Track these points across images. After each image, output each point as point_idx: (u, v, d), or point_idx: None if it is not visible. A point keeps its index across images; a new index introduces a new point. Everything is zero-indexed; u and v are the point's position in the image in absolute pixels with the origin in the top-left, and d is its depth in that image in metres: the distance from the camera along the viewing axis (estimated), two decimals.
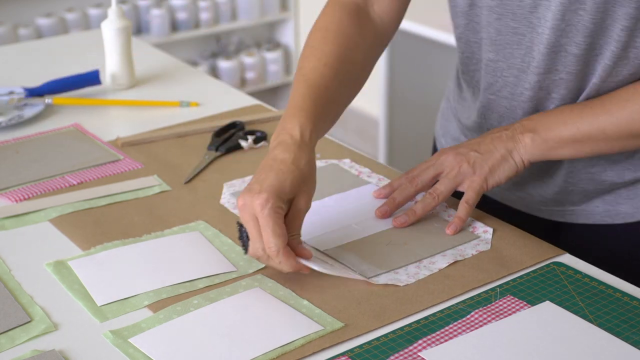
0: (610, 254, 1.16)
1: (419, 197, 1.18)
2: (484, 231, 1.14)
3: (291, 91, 1.14)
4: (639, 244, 1.21)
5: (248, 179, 1.29)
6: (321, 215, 1.17)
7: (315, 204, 1.19)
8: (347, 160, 1.34)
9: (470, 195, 1.13)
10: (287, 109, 1.10)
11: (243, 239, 1.04)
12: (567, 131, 1.11)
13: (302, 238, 1.05)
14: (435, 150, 1.42)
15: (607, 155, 1.17)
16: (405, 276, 1.05)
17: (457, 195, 1.25)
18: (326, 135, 1.44)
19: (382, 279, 1.04)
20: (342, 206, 1.20)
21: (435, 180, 1.16)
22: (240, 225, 1.03)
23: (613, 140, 1.09)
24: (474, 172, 1.13)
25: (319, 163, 1.33)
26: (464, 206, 1.13)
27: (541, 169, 1.22)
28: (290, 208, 1.02)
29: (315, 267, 1.02)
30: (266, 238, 0.99)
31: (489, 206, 1.26)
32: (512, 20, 1.12)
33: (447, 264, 1.07)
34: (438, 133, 1.40)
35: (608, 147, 1.11)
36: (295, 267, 1.01)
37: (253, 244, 1.01)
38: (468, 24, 1.19)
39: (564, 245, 1.14)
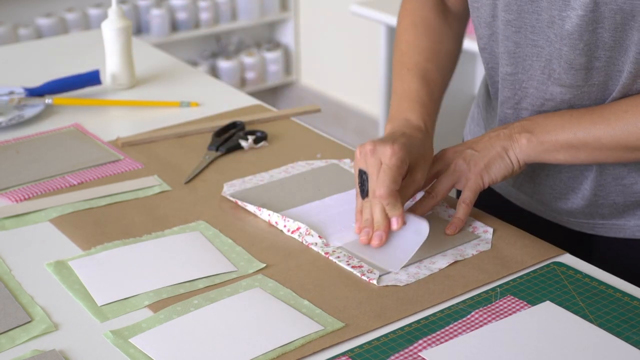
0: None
1: (418, 196, 1.18)
2: (484, 231, 1.14)
3: (398, 82, 1.22)
4: None
5: (248, 178, 1.29)
6: (323, 216, 1.17)
7: (316, 204, 1.20)
8: (347, 160, 1.34)
9: (468, 195, 1.13)
10: (401, 101, 1.20)
11: (363, 183, 1.08)
12: (564, 136, 1.10)
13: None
14: None
15: (638, 167, 1.15)
16: (405, 276, 1.05)
17: (459, 195, 1.25)
18: (326, 135, 1.44)
19: (383, 280, 1.04)
20: (344, 206, 1.20)
21: (433, 180, 1.16)
22: (362, 172, 1.08)
23: (608, 150, 1.08)
24: (469, 169, 1.13)
25: (319, 163, 1.33)
26: (462, 206, 1.13)
27: (568, 182, 1.20)
28: (406, 176, 1.10)
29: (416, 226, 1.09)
30: (384, 181, 1.06)
31: (517, 214, 1.25)
32: (531, 33, 1.11)
33: (448, 264, 1.07)
34: (467, 137, 1.39)
35: (604, 157, 1.10)
36: (397, 213, 1.06)
37: (372, 185, 1.06)
38: (492, 35, 1.17)
39: (596, 258, 1.13)
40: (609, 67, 1.08)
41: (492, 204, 1.27)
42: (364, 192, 1.09)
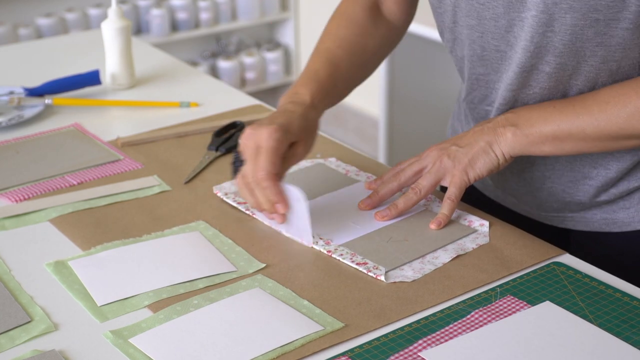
0: (610, 261, 1.16)
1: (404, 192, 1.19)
2: (480, 224, 1.15)
3: (307, 63, 1.25)
4: (635, 253, 1.21)
5: (236, 181, 1.29)
6: (317, 216, 1.17)
7: (311, 205, 1.19)
8: (333, 159, 1.34)
9: (453, 191, 1.14)
10: (300, 79, 1.21)
11: (236, 164, 1.11)
12: (548, 128, 1.10)
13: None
14: None
15: (606, 167, 1.17)
16: (411, 272, 1.05)
17: (470, 197, 1.26)
18: (326, 135, 1.44)
19: (389, 277, 1.04)
20: (336, 206, 1.20)
21: (419, 176, 1.17)
22: (237, 153, 1.11)
23: (593, 140, 1.09)
24: (454, 165, 1.14)
25: (305, 163, 1.33)
26: (447, 202, 1.15)
27: (536, 179, 1.22)
28: (287, 151, 1.11)
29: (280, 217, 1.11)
30: (262, 163, 1.08)
31: (489, 207, 1.27)
32: (492, 38, 1.13)
33: (450, 258, 1.08)
34: (449, 132, 1.41)
35: (589, 147, 1.11)
36: (275, 198, 1.08)
37: (246, 167, 1.09)
38: (455, 39, 1.20)
39: (571, 253, 1.14)
40: (558, 73, 1.10)
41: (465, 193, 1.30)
42: (235, 173, 1.13)
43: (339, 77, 1.23)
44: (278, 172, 1.10)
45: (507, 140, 1.12)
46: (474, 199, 1.29)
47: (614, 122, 1.07)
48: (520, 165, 1.22)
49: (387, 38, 1.32)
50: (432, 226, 1.14)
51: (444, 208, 1.15)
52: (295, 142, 1.13)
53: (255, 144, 1.09)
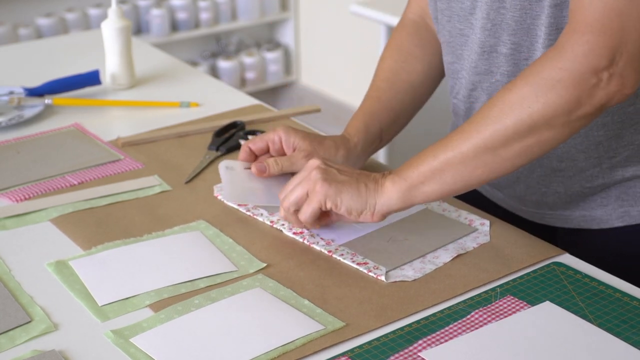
0: (593, 258, 1.16)
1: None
2: (481, 224, 1.16)
3: (363, 99, 1.30)
4: (615, 250, 1.21)
5: None
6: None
7: None
8: None
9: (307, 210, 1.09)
10: (352, 119, 1.28)
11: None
12: (425, 163, 1.04)
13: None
14: None
15: (574, 160, 1.16)
16: (411, 271, 1.05)
17: (464, 195, 1.26)
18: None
19: (390, 277, 1.05)
20: None
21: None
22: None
23: (472, 159, 1.02)
24: (321, 186, 1.07)
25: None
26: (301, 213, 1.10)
27: (510, 175, 1.21)
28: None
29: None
30: (309, 217, 1.09)
31: (484, 203, 1.27)
32: (458, 22, 1.14)
33: (451, 258, 1.08)
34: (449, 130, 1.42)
35: (469, 170, 1.03)
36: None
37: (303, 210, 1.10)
38: (437, 27, 1.22)
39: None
40: (515, 54, 1.09)
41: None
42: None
43: (383, 107, 1.27)
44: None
45: (386, 191, 1.06)
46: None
47: (485, 128, 1.01)
48: None
49: (437, 55, 1.30)
50: (253, 169, 1.20)
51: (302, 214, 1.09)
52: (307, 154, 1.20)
53: (288, 147, 1.22)
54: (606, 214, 1.20)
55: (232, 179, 1.22)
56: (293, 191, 1.09)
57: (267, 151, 1.25)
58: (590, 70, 0.97)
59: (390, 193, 1.06)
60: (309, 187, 1.08)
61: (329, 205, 1.07)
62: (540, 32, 1.07)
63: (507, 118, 1.00)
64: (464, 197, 1.23)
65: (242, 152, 1.25)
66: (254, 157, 1.25)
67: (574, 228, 1.24)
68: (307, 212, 1.08)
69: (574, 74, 0.97)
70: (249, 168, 1.23)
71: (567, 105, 0.98)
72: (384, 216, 1.07)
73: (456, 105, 1.24)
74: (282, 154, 1.23)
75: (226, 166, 1.25)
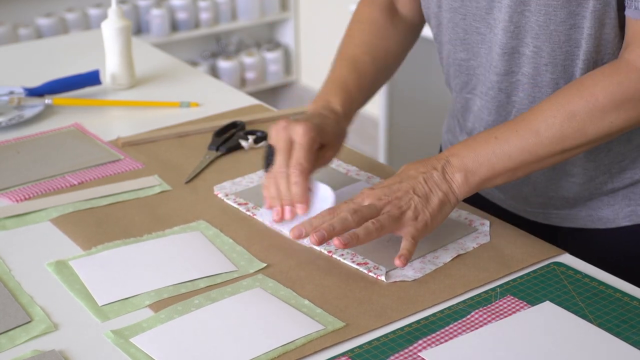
0: (596, 258, 1.16)
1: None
2: (481, 224, 1.16)
3: (331, 69, 1.28)
4: (619, 250, 1.21)
5: (237, 180, 1.29)
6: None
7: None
8: (334, 159, 1.34)
9: (410, 243, 1.05)
10: (328, 85, 1.24)
11: (268, 158, 1.12)
12: (500, 163, 1.07)
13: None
14: (441, 149, 1.43)
15: (585, 168, 1.18)
16: (411, 271, 1.05)
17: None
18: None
19: (390, 277, 1.05)
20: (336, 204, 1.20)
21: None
22: (269, 147, 1.12)
23: (544, 159, 1.08)
24: (416, 219, 1.06)
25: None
26: (409, 242, 1.05)
27: (520, 181, 1.22)
28: (317, 152, 1.13)
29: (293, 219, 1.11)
30: (298, 158, 1.09)
31: (483, 203, 1.27)
32: (474, 20, 1.15)
33: (451, 258, 1.08)
34: (443, 129, 1.42)
35: (539, 167, 1.10)
36: (300, 199, 1.09)
37: (279, 159, 1.09)
38: (439, 25, 1.22)
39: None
40: (536, 58, 1.11)
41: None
42: (268, 166, 1.13)
43: (365, 84, 1.27)
44: (310, 170, 1.10)
45: (460, 187, 1.08)
46: None
47: (565, 135, 1.05)
48: None
49: (405, 37, 1.34)
50: (399, 263, 1.03)
51: (407, 245, 1.05)
52: (325, 145, 1.15)
53: (290, 137, 1.10)
54: (613, 213, 1.20)
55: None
56: (387, 220, 1.03)
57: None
58: None
59: (465, 187, 1.08)
60: (399, 224, 1.04)
61: (430, 231, 1.07)
62: (562, 37, 1.08)
63: (588, 128, 1.05)
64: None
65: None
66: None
67: (578, 227, 1.24)
68: (411, 248, 1.04)
69: None
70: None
71: None
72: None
73: (470, 100, 1.23)
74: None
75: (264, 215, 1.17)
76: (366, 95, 1.28)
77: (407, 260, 1.04)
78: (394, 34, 1.32)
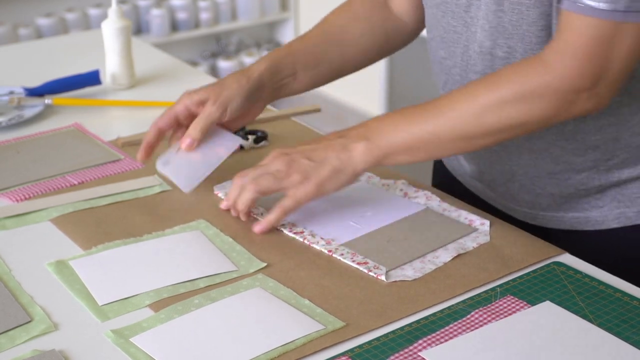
0: (592, 260, 1.16)
1: None
2: (481, 223, 1.15)
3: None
4: (612, 252, 1.20)
5: None
6: (318, 215, 1.17)
7: (308, 204, 1.19)
8: None
9: (289, 203, 1.12)
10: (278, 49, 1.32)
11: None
12: (399, 137, 1.10)
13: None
14: None
15: (570, 164, 1.17)
16: (411, 271, 1.05)
17: (458, 195, 1.25)
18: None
19: (390, 276, 1.05)
20: (337, 205, 1.20)
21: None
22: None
23: (446, 142, 1.09)
24: (301, 182, 1.11)
25: None
26: (278, 210, 1.12)
27: (503, 174, 1.22)
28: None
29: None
30: (193, 130, 1.23)
31: (474, 201, 1.27)
32: (452, 18, 1.15)
33: (451, 257, 1.08)
34: None
35: (441, 151, 1.12)
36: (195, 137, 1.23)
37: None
38: (427, 20, 1.23)
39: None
40: (510, 58, 1.11)
41: (442, 183, 1.31)
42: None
43: (305, 51, 1.30)
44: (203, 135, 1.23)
45: (360, 155, 1.11)
46: (455, 190, 1.30)
47: (466, 121, 1.07)
48: (490, 158, 1.22)
49: (383, 27, 1.34)
50: (256, 229, 1.13)
51: (272, 214, 1.12)
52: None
53: (196, 107, 1.23)
54: (602, 215, 1.20)
55: (176, 170, 1.24)
56: (266, 180, 1.12)
57: (178, 124, 1.27)
58: (573, 90, 1.03)
59: (364, 157, 1.11)
60: (284, 184, 1.11)
61: (319, 196, 1.12)
62: (534, 38, 1.08)
63: (487, 116, 1.06)
64: (460, 197, 1.23)
65: (152, 134, 1.26)
66: (163, 135, 1.27)
67: (566, 229, 1.24)
68: (291, 206, 1.11)
69: (558, 93, 1.03)
70: (179, 149, 1.24)
71: (545, 115, 1.05)
72: (365, 170, 1.13)
73: None
74: (194, 118, 1.25)
75: (162, 163, 1.26)
76: (306, 59, 1.31)
77: (262, 229, 1.13)
78: (374, 23, 1.33)
